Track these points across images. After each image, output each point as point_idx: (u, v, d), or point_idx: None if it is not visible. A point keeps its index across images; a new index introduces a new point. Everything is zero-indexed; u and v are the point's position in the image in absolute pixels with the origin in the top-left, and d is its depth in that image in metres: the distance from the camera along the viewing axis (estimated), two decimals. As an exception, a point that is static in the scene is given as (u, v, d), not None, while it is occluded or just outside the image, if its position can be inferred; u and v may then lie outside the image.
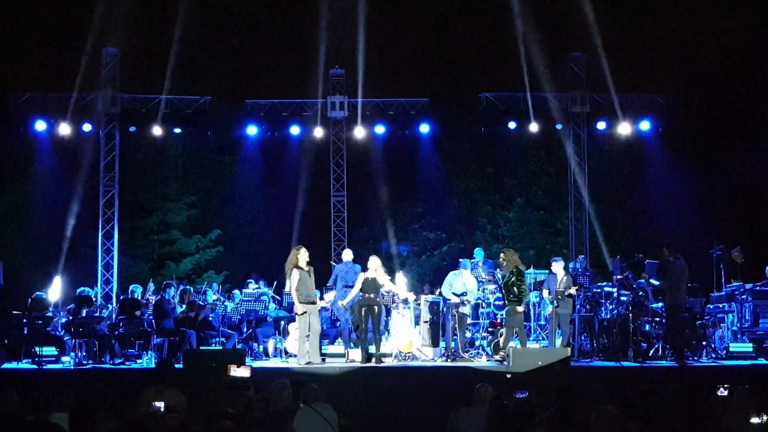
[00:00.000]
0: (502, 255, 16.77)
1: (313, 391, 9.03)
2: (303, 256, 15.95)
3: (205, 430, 8.55)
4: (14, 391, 9.94)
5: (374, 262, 16.09)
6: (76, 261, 25.70)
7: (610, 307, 17.31)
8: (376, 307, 15.77)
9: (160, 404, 9.05)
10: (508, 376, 13.24)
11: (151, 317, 17.94)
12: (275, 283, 19.94)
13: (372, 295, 15.78)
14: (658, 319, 17.09)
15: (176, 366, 13.03)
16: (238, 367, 10.63)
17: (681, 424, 8.94)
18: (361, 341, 16.07)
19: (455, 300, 17.01)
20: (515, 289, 16.04)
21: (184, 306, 18.08)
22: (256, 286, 20.07)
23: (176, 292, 19.01)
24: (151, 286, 20.24)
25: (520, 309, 16.17)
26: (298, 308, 15.79)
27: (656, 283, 17.44)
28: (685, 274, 16.57)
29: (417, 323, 17.76)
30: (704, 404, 9.84)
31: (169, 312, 17.83)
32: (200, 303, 18.30)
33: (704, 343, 17.09)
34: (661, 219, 27.07)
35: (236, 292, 20.31)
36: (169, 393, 10.20)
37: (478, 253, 20.34)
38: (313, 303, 15.84)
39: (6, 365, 16.44)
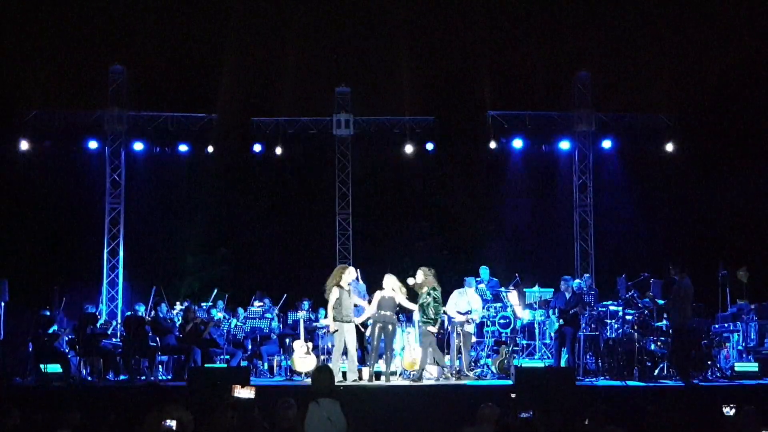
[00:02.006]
0: (421, 274, 16.20)
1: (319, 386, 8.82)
2: (347, 276, 15.98)
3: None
4: (16, 408, 9.94)
5: (392, 281, 16.07)
6: (81, 278, 25.73)
7: (616, 326, 17.28)
8: (390, 326, 15.79)
9: (172, 423, 9.01)
10: (512, 395, 13.21)
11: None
12: (283, 299, 19.89)
13: (389, 313, 15.79)
14: (663, 338, 17.05)
15: (165, 385, 12.99)
16: (243, 387, 10.59)
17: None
18: (371, 359, 16.04)
19: (460, 318, 16.99)
20: (431, 310, 15.86)
21: (180, 320, 18.17)
22: (261, 303, 20.08)
23: (168, 309, 19.12)
24: (164, 306, 20.10)
25: (433, 329, 16.02)
26: (331, 326, 15.95)
27: (661, 302, 17.42)
28: (690, 293, 16.54)
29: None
30: (710, 424, 9.81)
31: (167, 329, 17.88)
32: (205, 319, 18.34)
33: (709, 362, 17.05)
34: (667, 238, 27.05)
35: (240, 309, 20.31)
36: (176, 410, 10.14)
37: (484, 271, 20.33)
38: (350, 322, 15.82)
39: (11, 382, 16.44)
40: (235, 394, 10.01)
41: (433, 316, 15.80)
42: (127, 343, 17.70)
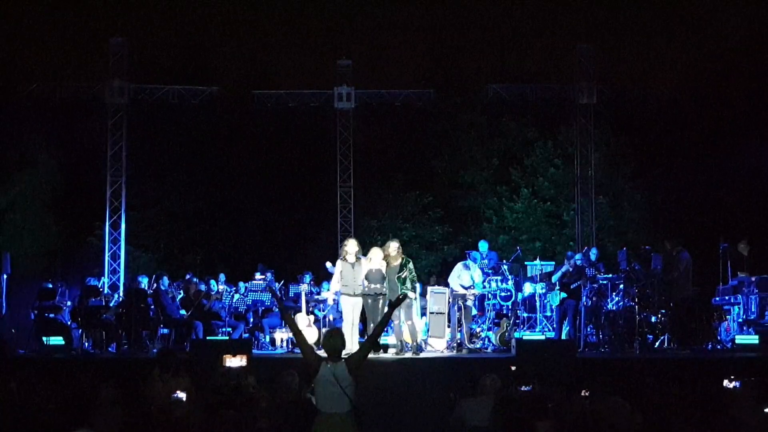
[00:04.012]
0: (396, 246, 15.81)
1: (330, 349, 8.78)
2: (349, 248, 15.90)
3: (209, 419, 8.57)
4: (14, 380, 9.97)
5: (376, 254, 15.98)
6: (83, 251, 25.80)
7: (616, 298, 17.30)
8: (381, 298, 15.72)
9: (182, 395, 9.07)
10: (513, 368, 13.24)
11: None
12: (282, 282, 19.93)
13: (378, 286, 15.72)
14: (664, 310, 17.08)
15: (178, 356, 12.99)
16: (234, 356, 10.63)
17: (687, 416, 8.95)
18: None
19: (462, 291, 17.02)
20: (409, 282, 15.78)
21: (182, 294, 18.22)
22: (263, 276, 20.09)
23: (170, 282, 19.16)
24: (166, 280, 20.06)
25: (413, 295, 15.98)
26: (329, 297, 16.33)
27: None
28: (689, 266, 16.57)
29: (423, 314, 17.77)
30: (710, 396, 9.84)
31: (168, 302, 17.91)
32: (207, 292, 18.39)
33: (710, 335, 17.10)
34: (668, 211, 27.08)
35: (241, 283, 20.33)
36: (176, 381, 10.18)
37: (482, 245, 20.33)
38: (354, 295, 15.76)
39: (14, 354, 16.49)
40: (226, 364, 10.06)
41: (411, 288, 15.79)
42: (128, 312, 17.72)
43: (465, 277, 17.20)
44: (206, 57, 29.65)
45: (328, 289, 17.40)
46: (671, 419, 8.81)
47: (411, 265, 15.84)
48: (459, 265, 17.52)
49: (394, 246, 15.84)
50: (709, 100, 25.85)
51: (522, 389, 9.83)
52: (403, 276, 15.57)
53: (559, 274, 17.64)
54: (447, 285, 17.53)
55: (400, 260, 15.70)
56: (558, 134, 28.17)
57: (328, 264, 18.05)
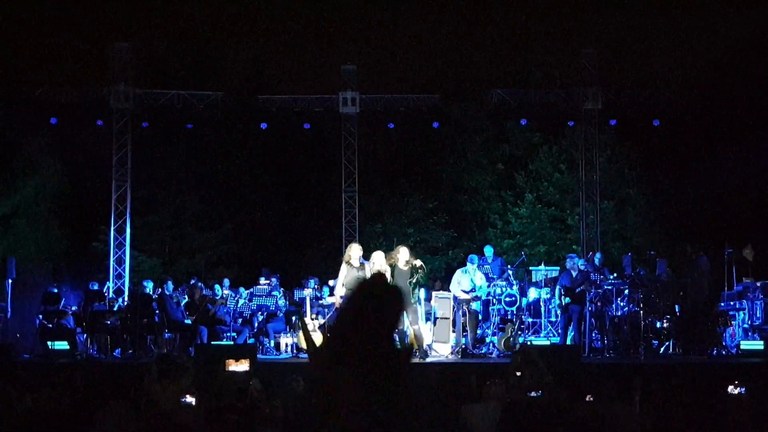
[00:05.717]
0: (407, 251, 15.58)
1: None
2: (354, 252, 15.85)
3: (213, 423, 8.55)
4: (18, 385, 9.95)
5: (379, 258, 15.89)
6: (88, 256, 25.82)
7: (621, 303, 17.27)
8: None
9: (192, 399, 9.05)
10: (518, 374, 13.19)
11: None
12: (282, 290, 19.95)
13: (381, 290, 15.60)
14: (669, 316, 17.05)
15: (177, 360, 12.92)
16: (237, 360, 10.62)
17: (691, 422, 8.94)
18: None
19: (464, 297, 17.00)
20: (415, 288, 15.77)
21: (186, 298, 18.22)
22: (267, 281, 20.09)
23: (175, 287, 19.17)
24: (170, 285, 20.08)
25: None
26: (336, 301, 16.09)
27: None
28: (708, 271, 16.59)
29: (428, 319, 17.75)
30: (715, 402, 9.82)
31: (173, 307, 17.91)
32: (212, 297, 18.39)
33: (715, 340, 17.06)
34: (672, 216, 27.06)
35: (242, 288, 20.31)
36: (177, 385, 10.13)
37: (488, 250, 20.29)
38: None
39: (18, 358, 16.49)
40: (230, 368, 10.04)
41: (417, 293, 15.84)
42: (133, 317, 17.71)
43: (465, 281, 17.19)
44: (211, 62, 29.68)
45: (330, 295, 17.43)
46: (676, 425, 8.80)
47: (421, 264, 15.68)
48: (458, 272, 17.54)
49: (405, 252, 15.65)
50: (714, 104, 25.82)
51: (531, 395, 9.78)
52: (414, 281, 15.51)
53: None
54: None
55: (409, 265, 15.57)
56: (563, 139, 28.20)
57: (331, 282, 18.06)
